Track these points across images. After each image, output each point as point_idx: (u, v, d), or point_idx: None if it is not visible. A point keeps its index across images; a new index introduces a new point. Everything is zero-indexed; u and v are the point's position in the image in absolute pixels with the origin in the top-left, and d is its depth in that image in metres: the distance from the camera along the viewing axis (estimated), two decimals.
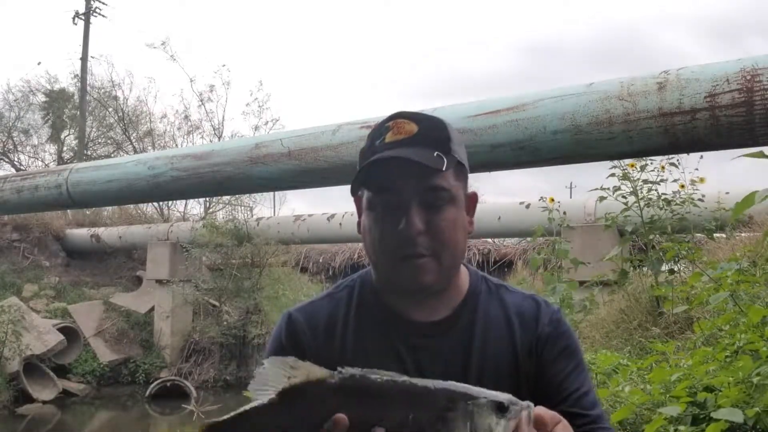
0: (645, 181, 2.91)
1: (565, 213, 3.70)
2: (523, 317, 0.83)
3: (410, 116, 0.80)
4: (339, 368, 0.54)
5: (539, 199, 3.73)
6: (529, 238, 7.69)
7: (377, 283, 0.84)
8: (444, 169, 0.75)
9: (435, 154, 0.75)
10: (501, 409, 0.55)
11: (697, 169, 3.09)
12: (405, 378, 0.55)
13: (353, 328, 0.82)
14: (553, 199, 3.77)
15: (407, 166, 0.74)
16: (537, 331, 0.82)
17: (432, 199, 0.76)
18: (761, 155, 1.32)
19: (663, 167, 2.91)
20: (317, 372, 0.54)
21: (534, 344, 0.81)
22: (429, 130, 0.79)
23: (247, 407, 0.53)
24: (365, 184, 0.79)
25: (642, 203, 2.89)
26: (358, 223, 0.84)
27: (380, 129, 0.80)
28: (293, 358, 0.54)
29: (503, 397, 0.56)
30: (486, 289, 0.85)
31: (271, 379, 0.53)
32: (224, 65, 18.03)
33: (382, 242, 0.78)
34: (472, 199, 0.84)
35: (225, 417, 0.54)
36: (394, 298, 0.82)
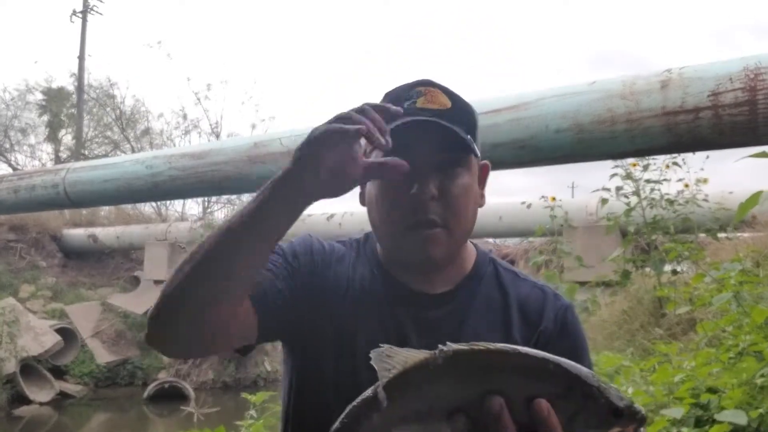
0: (648, 181, 2.90)
1: (566, 213, 3.68)
2: (526, 308, 0.77)
3: (442, 89, 0.76)
4: (440, 346, 0.50)
5: (540, 198, 3.72)
6: (530, 238, 7.69)
7: (382, 257, 0.80)
8: (476, 155, 0.74)
9: (467, 137, 0.73)
10: (615, 414, 0.49)
11: (702, 169, 3.08)
12: (516, 348, 0.51)
13: (358, 276, 0.78)
14: (554, 198, 3.75)
15: (439, 132, 0.71)
16: (540, 326, 0.76)
17: (447, 166, 0.73)
18: (764, 155, 1.30)
19: (668, 166, 2.90)
20: (416, 355, 0.49)
21: (535, 341, 0.75)
22: (462, 111, 0.76)
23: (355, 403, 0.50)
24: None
25: (645, 203, 2.87)
26: (361, 194, 0.80)
27: (409, 91, 0.75)
28: (388, 346, 0.50)
29: (623, 402, 0.49)
30: (492, 271, 0.80)
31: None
32: (222, 64, 18.00)
33: (391, 208, 0.74)
34: (485, 170, 0.81)
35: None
36: (395, 267, 0.78)
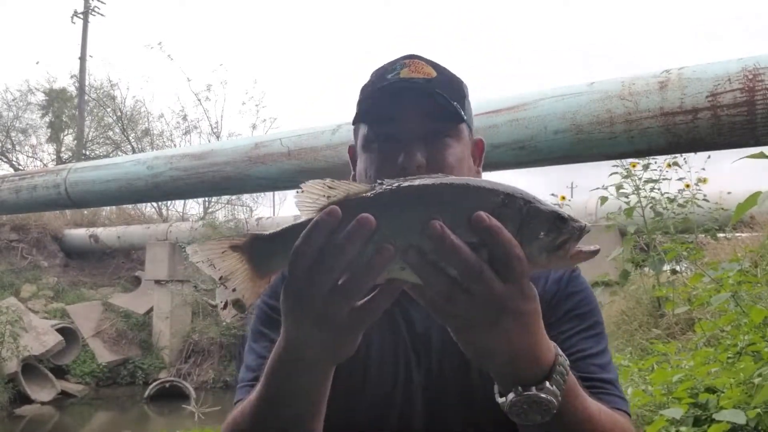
0: (647, 181, 2.90)
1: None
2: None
3: (428, 61, 0.73)
4: (379, 180, 0.49)
5: (550, 195, 3.72)
6: None
7: None
8: (464, 120, 0.69)
9: (454, 103, 0.69)
10: (560, 220, 0.48)
11: (703, 169, 3.09)
12: (454, 177, 0.51)
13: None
14: (564, 197, 3.75)
15: (424, 100, 0.67)
16: (543, 290, 0.71)
17: (436, 134, 0.69)
18: (762, 156, 1.31)
19: (669, 165, 2.90)
20: (355, 188, 0.49)
21: (548, 302, 0.71)
22: (448, 80, 0.72)
23: (292, 224, 0.50)
24: (368, 113, 0.71)
25: (645, 202, 2.88)
26: (353, 177, 0.77)
27: (393, 65, 0.72)
28: (330, 179, 0.49)
29: (563, 211, 0.49)
30: None
31: (310, 199, 0.49)
32: (221, 64, 18.00)
33: (378, 165, 0.70)
34: (479, 146, 0.78)
35: (271, 231, 0.51)
36: None
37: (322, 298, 0.48)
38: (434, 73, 0.72)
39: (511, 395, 0.52)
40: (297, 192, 0.49)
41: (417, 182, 0.48)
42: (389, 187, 0.48)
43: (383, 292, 0.49)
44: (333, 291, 0.47)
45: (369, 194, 0.48)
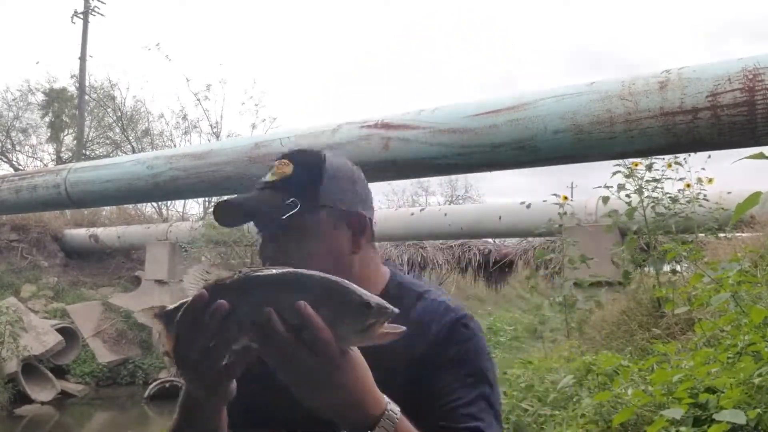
0: (649, 180, 2.90)
1: (566, 213, 3.69)
2: (423, 324, 0.80)
3: (292, 157, 0.86)
4: (239, 269, 0.64)
5: (552, 195, 3.72)
6: (530, 238, 7.68)
7: None
8: (287, 214, 0.80)
9: (290, 200, 0.81)
10: (366, 307, 0.61)
11: (703, 169, 3.08)
12: (292, 270, 0.63)
13: None
14: (566, 198, 3.75)
15: (270, 204, 0.82)
16: (429, 337, 0.79)
17: (282, 235, 0.82)
18: (761, 156, 1.30)
19: (670, 165, 2.90)
20: (224, 275, 0.63)
21: (426, 350, 0.78)
22: (301, 173, 0.84)
23: (184, 300, 0.64)
24: (245, 215, 0.86)
25: (646, 201, 2.87)
26: None
27: (269, 166, 0.87)
28: (208, 265, 0.70)
29: (373, 299, 0.62)
30: (397, 296, 0.81)
31: (194, 281, 0.64)
32: (221, 64, 18.01)
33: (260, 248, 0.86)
34: (356, 220, 0.85)
35: (172, 306, 0.65)
36: None
37: (195, 359, 0.62)
38: (289, 171, 0.84)
39: None
40: (183, 277, 0.64)
41: (263, 273, 0.62)
42: (242, 275, 0.62)
43: (239, 354, 0.63)
44: (202, 354, 0.61)
45: (227, 281, 0.62)
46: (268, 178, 0.85)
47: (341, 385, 0.62)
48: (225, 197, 0.85)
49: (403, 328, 0.63)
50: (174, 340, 0.63)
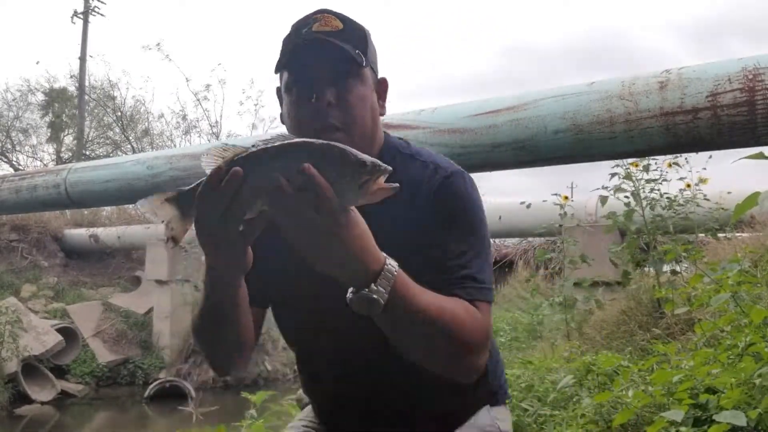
0: (648, 180, 2.90)
1: (566, 213, 3.69)
2: (414, 184, 0.87)
3: (337, 15, 0.88)
4: (252, 145, 0.68)
5: (552, 195, 3.72)
6: (530, 238, 7.68)
7: None
8: (363, 64, 0.86)
9: (356, 51, 0.86)
10: (362, 165, 0.66)
11: (704, 169, 3.08)
12: (297, 140, 0.69)
13: None
14: (567, 197, 3.75)
15: (330, 49, 0.84)
16: (422, 196, 0.86)
17: (343, 78, 0.86)
18: (761, 156, 1.30)
19: (670, 165, 2.90)
20: (239, 150, 0.68)
21: (420, 209, 0.85)
22: (353, 31, 0.88)
23: (200, 180, 0.69)
24: (288, 64, 0.88)
25: (645, 202, 2.87)
26: (281, 115, 0.94)
27: (307, 20, 0.88)
28: (224, 142, 0.72)
29: (368, 159, 0.67)
30: (391, 160, 0.84)
31: (211, 160, 0.68)
32: (220, 63, 18.03)
33: (297, 119, 0.87)
34: (383, 84, 0.95)
35: (189, 186, 0.70)
36: None
37: (214, 225, 0.68)
38: (341, 26, 0.87)
39: (349, 294, 0.70)
40: (203, 156, 0.68)
41: (272, 145, 0.67)
42: (255, 149, 0.67)
43: (256, 220, 0.69)
44: (220, 219, 0.67)
45: (243, 155, 0.67)
46: (317, 28, 0.86)
47: (343, 241, 0.67)
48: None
49: (396, 185, 0.68)
50: (186, 222, 0.70)
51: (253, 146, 0.68)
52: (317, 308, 0.88)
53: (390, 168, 0.68)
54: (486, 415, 0.97)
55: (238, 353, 0.88)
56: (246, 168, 0.65)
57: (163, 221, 0.70)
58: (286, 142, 0.68)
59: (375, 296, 0.69)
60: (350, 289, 0.70)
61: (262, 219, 0.69)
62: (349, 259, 0.67)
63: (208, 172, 0.67)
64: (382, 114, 0.93)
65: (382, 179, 0.67)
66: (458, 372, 0.80)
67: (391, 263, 0.71)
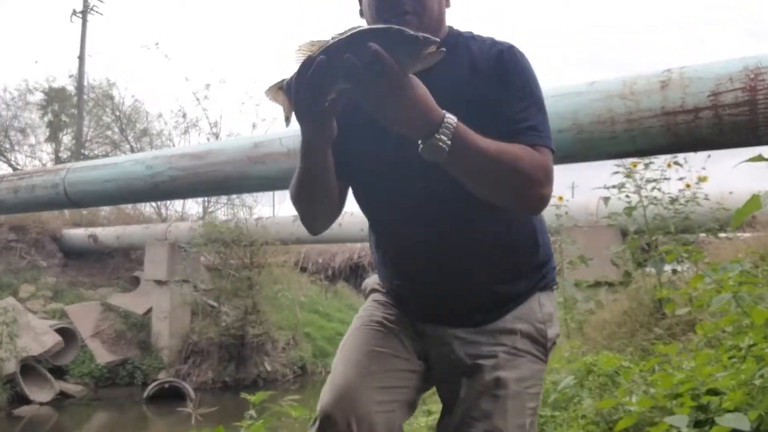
0: (649, 180, 2.89)
1: (566, 213, 3.68)
2: (476, 59, 1.03)
3: None
4: (332, 37, 0.85)
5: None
6: None
7: None
8: None
9: None
10: (415, 39, 0.83)
11: (704, 168, 3.07)
12: (362, 27, 0.86)
13: None
14: (562, 198, 3.75)
15: None
16: (480, 66, 1.01)
17: None
18: (761, 159, 1.30)
19: (669, 165, 2.89)
20: (324, 41, 0.86)
21: (480, 79, 1.00)
22: None
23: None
24: None
25: (646, 201, 2.86)
26: (360, 11, 1.13)
27: None
28: (312, 40, 0.87)
29: (420, 33, 0.84)
30: (455, 42, 1.06)
31: (301, 53, 0.87)
32: (221, 63, 18.03)
33: (376, 7, 1.04)
34: None
35: (289, 77, 0.91)
36: None
37: (306, 102, 0.88)
38: None
39: (419, 145, 0.87)
40: (295, 50, 0.88)
41: (346, 35, 0.85)
42: (333, 40, 0.85)
43: (338, 98, 0.88)
44: (310, 97, 0.87)
45: (325, 46, 0.85)
46: None
47: (407, 101, 0.84)
48: None
49: (444, 49, 0.84)
50: (292, 104, 0.89)
51: (331, 38, 0.85)
52: (396, 174, 1.04)
53: (438, 39, 0.84)
54: (535, 300, 1.10)
55: (326, 214, 1.08)
56: (327, 55, 0.84)
57: (278, 104, 0.94)
58: (355, 31, 0.85)
59: (440, 143, 0.85)
60: (419, 142, 0.87)
61: (342, 96, 0.87)
62: (414, 116, 0.84)
63: (299, 63, 0.87)
64: (448, 6, 1.10)
65: (432, 48, 0.83)
66: (524, 203, 0.95)
67: (450, 116, 0.86)
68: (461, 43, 1.05)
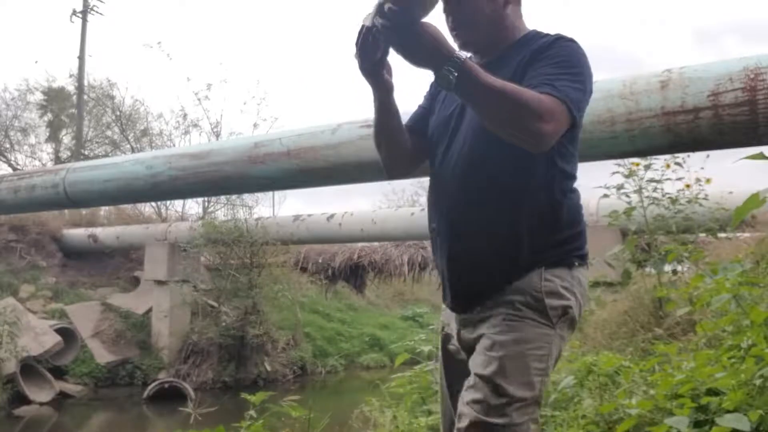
0: (649, 180, 2.89)
1: None
2: (536, 44, 1.17)
3: None
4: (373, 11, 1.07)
5: None
6: None
7: None
8: None
9: None
10: None
11: (702, 168, 3.07)
12: None
13: None
14: None
15: None
16: (536, 45, 1.15)
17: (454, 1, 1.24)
18: (761, 156, 1.29)
19: (668, 165, 2.89)
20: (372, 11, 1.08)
21: (534, 56, 1.13)
22: None
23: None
24: None
25: (646, 201, 2.86)
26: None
27: None
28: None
29: None
30: (526, 41, 1.20)
31: (363, 19, 1.11)
32: (221, 63, 17.99)
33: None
34: None
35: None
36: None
37: (359, 61, 1.15)
38: None
39: (435, 76, 1.04)
40: (362, 18, 1.10)
41: (376, 3, 1.05)
42: (375, 15, 1.06)
43: (384, 54, 1.15)
44: (360, 58, 1.14)
45: (366, 16, 1.09)
46: None
47: (423, 39, 1.02)
48: None
49: None
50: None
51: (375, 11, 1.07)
52: (450, 138, 1.23)
53: None
54: (537, 274, 1.16)
55: (398, 157, 1.30)
56: (370, 21, 1.06)
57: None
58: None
59: (447, 73, 1.01)
60: (433, 72, 1.03)
61: (384, 48, 1.11)
62: (430, 50, 1.02)
63: (364, 22, 1.10)
64: (510, 4, 1.24)
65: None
66: (524, 135, 1.03)
67: (461, 54, 1.03)
68: (530, 37, 1.20)
